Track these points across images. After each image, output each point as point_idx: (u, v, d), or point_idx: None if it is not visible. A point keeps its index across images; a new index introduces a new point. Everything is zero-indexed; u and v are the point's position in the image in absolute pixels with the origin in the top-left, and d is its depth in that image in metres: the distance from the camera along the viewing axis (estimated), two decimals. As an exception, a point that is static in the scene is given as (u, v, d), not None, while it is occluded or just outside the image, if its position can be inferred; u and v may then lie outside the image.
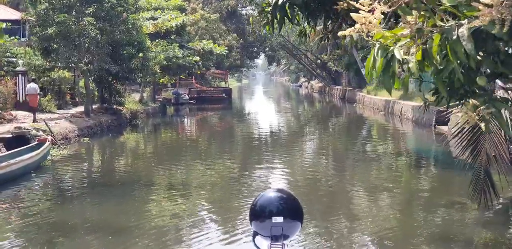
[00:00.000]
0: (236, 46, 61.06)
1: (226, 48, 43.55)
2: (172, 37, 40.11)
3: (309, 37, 8.88)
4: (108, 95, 29.73)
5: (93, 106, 28.64)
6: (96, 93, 31.11)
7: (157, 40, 36.16)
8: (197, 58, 37.67)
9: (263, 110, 46.96)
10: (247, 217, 2.97)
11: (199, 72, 49.00)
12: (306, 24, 8.81)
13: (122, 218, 11.23)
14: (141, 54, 28.93)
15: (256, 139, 26.40)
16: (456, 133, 9.79)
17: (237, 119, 38.88)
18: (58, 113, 27.25)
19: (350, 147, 22.81)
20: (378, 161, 18.46)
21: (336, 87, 60.95)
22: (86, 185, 14.66)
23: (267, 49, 67.53)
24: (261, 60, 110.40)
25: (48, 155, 17.29)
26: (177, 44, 37.44)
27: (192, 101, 50.41)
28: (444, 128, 23.07)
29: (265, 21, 7.36)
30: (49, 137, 18.08)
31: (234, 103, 56.57)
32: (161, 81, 43.31)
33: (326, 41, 9.03)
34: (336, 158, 20.21)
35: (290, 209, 2.83)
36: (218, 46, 43.36)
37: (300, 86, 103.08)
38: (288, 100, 67.46)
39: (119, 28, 26.31)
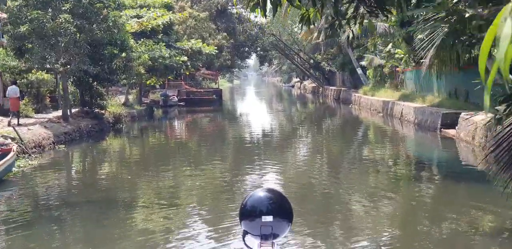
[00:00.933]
0: (226, 45, 59.04)
1: (216, 47, 41.59)
2: (159, 37, 38.21)
3: (314, 24, 6.98)
4: (89, 98, 27.83)
5: (73, 110, 26.78)
6: (77, 96, 29.25)
7: (142, 39, 34.24)
8: (185, 58, 35.67)
9: (255, 112, 45.23)
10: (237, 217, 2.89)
11: (188, 73, 47.08)
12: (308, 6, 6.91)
13: (105, 242, 9.62)
14: (123, 54, 27.04)
15: (248, 143, 24.80)
16: (496, 146, 7.94)
17: (228, 122, 37.29)
18: (35, 118, 25.37)
19: (348, 152, 21.14)
20: (378, 168, 16.76)
21: (330, 87, 59.18)
22: (57, 202, 12.66)
23: (258, 48, 65.42)
24: (252, 60, 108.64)
25: (13, 166, 15.39)
26: (164, 44, 35.49)
27: (181, 103, 48.75)
28: (451, 132, 21.29)
29: (254, 1, 5.43)
30: (15, 147, 16.14)
31: (225, 104, 54.82)
32: (148, 82, 41.41)
33: (338, 29, 7.17)
34: (332, 164, 18.48)
35: (279, 208, 2.80)
36: (208, 45, 41.41)
37: (293, 86, 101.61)
38: (281, 101, 65.68)
39: (99, 26, 24.43)
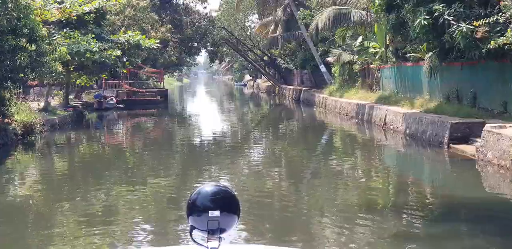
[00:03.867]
0: (173, 40, 52.78)
1: (158, 41, 35.58)
2: (90, 28, 31.98)
3: None
4: (-13, 103, 21.57)
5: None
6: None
7: (65, 30, 28.03)
8: (119, 53, 29.57)
9: (205, 116, 39.45)
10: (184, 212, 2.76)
11: (126, 71, 40.84)
12: None
13: None
14: (33, 47, 20.91)
15: (196, 152, 21.12)
16: None
17: (173, 128, 32.33)
18: None
19: (322, 169, 16.35)
20: (361, 193, 12.73)
21: (287, 86, 53.73)
22: None
23: (208, 44, 59.26)
24: (202, 57, 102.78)
25: None
26: (93, 36, 29.28)
27: (120, 105, 42.72)
28: (466, 149, 15.89)
29: None
30: None
31: (172, 107, 48.84)
32: (78, 82, 35.11)
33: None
34: (299, 183, 14.51)
35: (226, 203, 2.78)
36: (148, 38, 35.37)
37: (245, 85, 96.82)
38: (233, 102, 59.95)
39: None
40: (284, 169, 16.97)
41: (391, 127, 22.26)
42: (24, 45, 20.69)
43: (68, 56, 23.82)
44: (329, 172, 15.79)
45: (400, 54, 24.88)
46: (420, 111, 20.76)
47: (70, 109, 32.28)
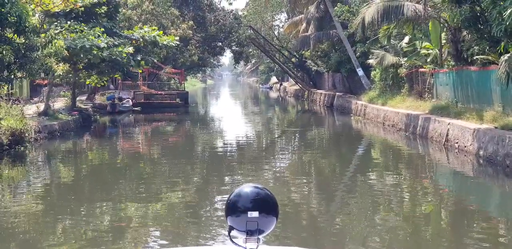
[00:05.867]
0: (195, 38, 48.90)
1: (178, 39, 31.68)
2: (101, 21, 28.37)
3: None
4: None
5: None
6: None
7: (68, 22, 24.36)
8: (130, 50, 25.76)
9: (228, 122, 35.56)
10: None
11: (141, 71, 37.11)
12: None
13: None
14: (21, 39, 17.25)
15: (218, 163, 18.74)
16: None
17: (192, 137, 28.22)
18: None
19: (364, 200, 12.26)
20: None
21: (319, 91, 49.62)
22: None
23: (233, 43, 55.28)
24: (227, 58, 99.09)
25: None
26: (102, 30, 25.55)
27: (136, 108, 39.28)
28: None
29: None
30: None
31: (193, 111, 44.96)
32: (87, 82, 31.53)
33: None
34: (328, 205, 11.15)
35: (265, 204, 2.76)
36: (167, 35, 31.54)
37: (271, 88, 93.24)
38: (258, 106, 55.99)
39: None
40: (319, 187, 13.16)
41: (456, 145, 18.07)
42: (10, 36, 17.07)
43: (66, 51, 20.06)
44: (377, 200, 11.99)
45: (466, 56, 20.68)
46: (495, 127, 16.59)
47: (75, 112, 28.50)
